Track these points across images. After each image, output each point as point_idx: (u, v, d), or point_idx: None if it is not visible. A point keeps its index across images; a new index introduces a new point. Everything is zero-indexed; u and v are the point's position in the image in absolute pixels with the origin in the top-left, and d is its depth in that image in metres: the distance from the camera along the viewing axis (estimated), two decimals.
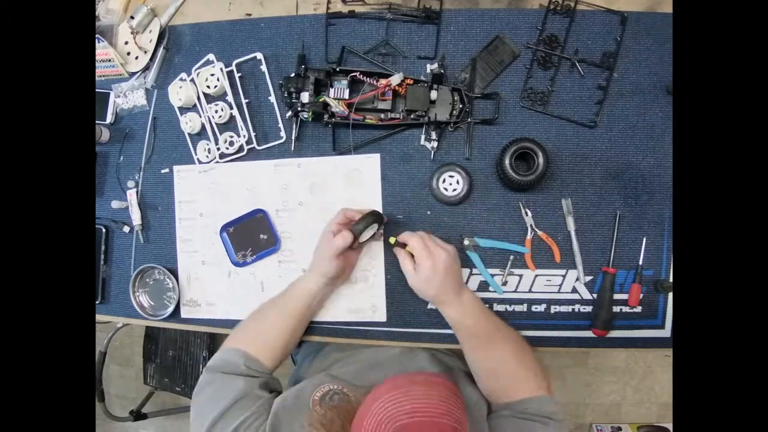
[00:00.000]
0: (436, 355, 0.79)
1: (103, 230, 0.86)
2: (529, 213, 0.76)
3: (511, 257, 0.77)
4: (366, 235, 0.72)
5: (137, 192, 0.85)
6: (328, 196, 0.81)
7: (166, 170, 0.85)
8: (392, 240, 0.73)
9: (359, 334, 0.81)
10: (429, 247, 0.68)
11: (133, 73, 0.85)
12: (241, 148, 0.81)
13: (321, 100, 0.74)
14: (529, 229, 0.76)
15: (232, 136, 0.82)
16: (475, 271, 0.78)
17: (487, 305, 0.78)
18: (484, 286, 0.78)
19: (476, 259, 0.76)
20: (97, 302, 0.87)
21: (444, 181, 0.76)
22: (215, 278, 0.84)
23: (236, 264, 0.83)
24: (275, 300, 0.76)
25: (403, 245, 0.72)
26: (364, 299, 0.80)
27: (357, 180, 0.80)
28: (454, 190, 0.76)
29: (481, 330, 0.69)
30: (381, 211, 0.77)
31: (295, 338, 0.75)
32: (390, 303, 0.80)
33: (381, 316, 0.80)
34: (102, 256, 0.86)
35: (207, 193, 0.84)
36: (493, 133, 0.78)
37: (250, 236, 0.82)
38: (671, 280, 0.75)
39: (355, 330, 0.81)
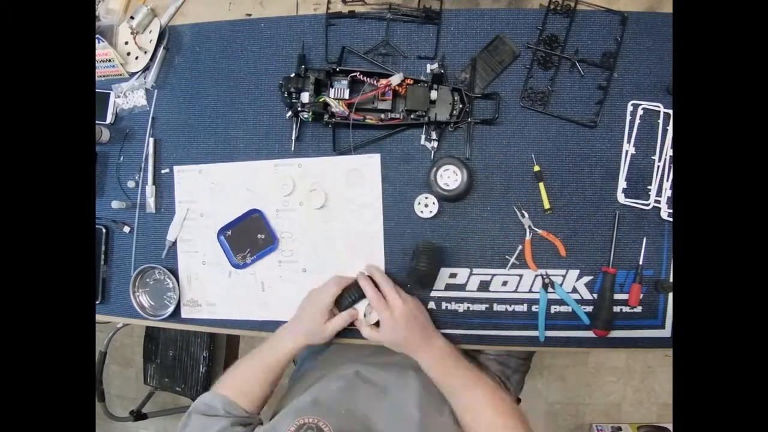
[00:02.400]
0: (427, 388, 0.75)
1: (103, 230, 0.86)
2: (526, 214, 0.76)
3: (512, 258, 0.77)
4: (372, 318, 0.75)
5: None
6: (330, 196, 0.81)
7: (167, 170, 0.85)
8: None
9: (351, 335, 0.81)
10: (387, 298, 0.71)
11: (133, 73, 0.85)
12: None
13: (321, 100, 0.74)
14: (528, 229, 0.76)
15: None
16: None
17: (487, 305, 0.78)
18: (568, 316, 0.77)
19: (561, 292, 0.77)
20: (97, 302, 0.87)
21: (441, 177, 0.75)
22: (216, 278, 0.84)
23: (236, 266, 0.83)
24: (255, 358, 0.76)
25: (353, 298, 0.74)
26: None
27: (358, 180, 0.80)
28: (455, 182, 0.75)
29: (457, 376, 0.69)
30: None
31: (272, 387, 0.76)
32: None
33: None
34: (102, 256, 0.86)
35: (207, 194, 0.84)
36: (494, 133, 0.78)
37: (248, 237, 0.82)
38: (671, 280, 0.75)
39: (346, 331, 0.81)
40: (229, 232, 0.83)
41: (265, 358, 0.75)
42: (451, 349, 0.72)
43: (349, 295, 0.74)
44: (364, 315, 0.75)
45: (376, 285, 0.74)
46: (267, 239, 0.82)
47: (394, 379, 0.71)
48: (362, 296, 0.74)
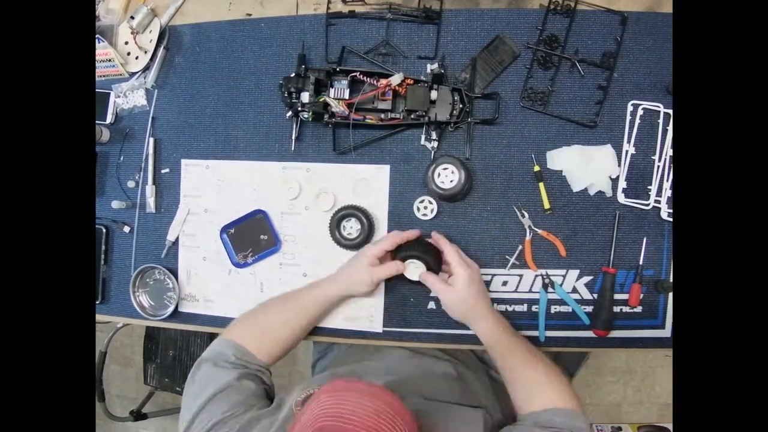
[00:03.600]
0: (443, 358, 0.76)
1: (104, 230, 0.86)
2: (526, 214, 0.76)
3: (511, 258, 0.77)
4: (413, 274, 0.71)
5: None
6: (336, 203, 0.80)
7: (167, 170, 0.85)
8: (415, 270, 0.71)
9: (354, 335, 0.81)
10: (465, 259, 0.69)
11: (134, 73, 0.85)
12: None
13: (321, 100, 0.74)
14: (528, 229, 0.76)
15: None
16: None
17: None
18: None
19: (562, 292, 0.77)
20: (97, 302, 0.87)
21: (439, 175, 0.75)
22: (215, 275, 0.84)
23: (237, 265, 0.83)
24: (287, 297, 0.75)
25: (430, 259, 0.70)
26: (362, 308, 0.80)
27: (364, 190, 0.80)
28: (451, 181, 0.74)
29: (515, 344, 0.68)
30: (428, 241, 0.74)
31: (299, 337, 0.74)
32: (388, 307, 0.80)
33: (377, 326, 0.80)
34: (102, 256, 0.86)
35: (213, 190, 0.84)
36: (494, 133, 0.78)
37: (251, 237, 0.82)
38: (671, 280, 0.75)
39: (351, 332, 0.81)
40: (232, 230, 0.83)
41: (299, 298, 0.72)
42: (504, 320, 0.71)
43: (404, 250, 0.71)
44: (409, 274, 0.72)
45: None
46: (270, 240, 0.82)
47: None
48: (416, 256, 0.71)
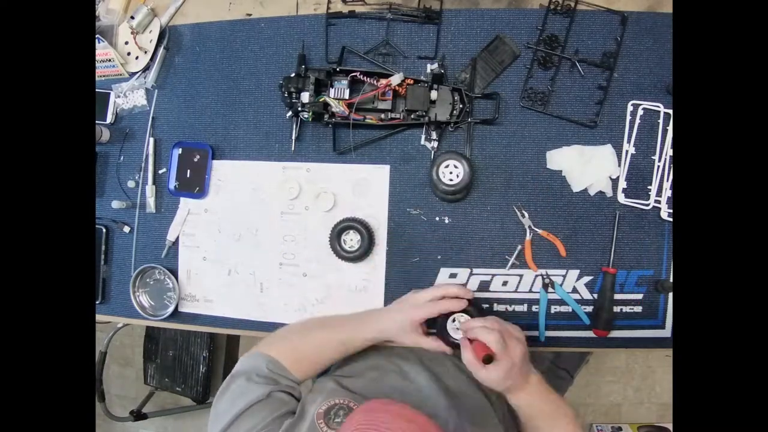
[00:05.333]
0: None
1: (104, 230, 0.86)
2: (527, 214, 0.76)
3: (511, 258, 0.77)
4: (455, 333, 0.69)
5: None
6: (336, 203, 0.81)
7: (164, 170, 0.85)
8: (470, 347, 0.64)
9: None
10: (508, 345, 0.62)
11: (134, 73, 0.85)
12: None
13: (321, 100, 0.74)
14: (528, 229, 0.76)
15: None
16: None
17: (487, 305, 0.78)
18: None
19: (562, 292, 0.77)
20: (97, 302, 0.87)
21: (443, 174, 0.73)
22: (215, 275, 0.84)
23: (171, 192, 0.84)
24: (332, 326, 0.73)
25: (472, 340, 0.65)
26: (362, 309, 0.79)
27: (364, 190, 0.80)
28: (457, 176, 0.72)
29: (546, 411, 0.65)
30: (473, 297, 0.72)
31: (331, 363, 0.73)
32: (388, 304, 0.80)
33: None
34: (102, 256, 0.86)
35: (213, 189, 0.84)
36: (494, 133, 0.78)
37: (192, 168, 0.83)
38: (671, 280, 0.75)
39: None
40: (180, 151, 0.83)
41: (342, 335, 0.71)
42: (540, 379, 0.66)
43: (446, 320, 0.70)
44: (450, 329, 0.70)
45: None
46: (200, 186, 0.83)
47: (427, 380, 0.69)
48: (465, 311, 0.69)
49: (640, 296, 0.76)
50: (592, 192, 0.76)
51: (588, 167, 0.75)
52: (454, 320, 0.70)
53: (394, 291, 0.79)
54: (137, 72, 0.85)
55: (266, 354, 0.68)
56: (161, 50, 0.84)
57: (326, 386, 0.65)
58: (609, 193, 0.75)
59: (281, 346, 0.70)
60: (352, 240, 0.78)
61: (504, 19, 0.77)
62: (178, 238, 0.85)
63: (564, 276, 0.77)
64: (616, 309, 0.76)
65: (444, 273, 0.79)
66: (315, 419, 0.58)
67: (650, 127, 0.75)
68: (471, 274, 0.78)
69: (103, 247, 0.86)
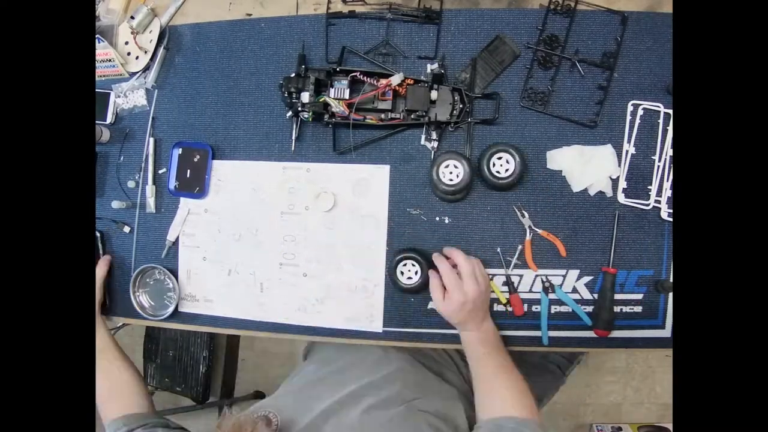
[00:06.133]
0: (415, 357, 0.79)
1: (99, 235, 0.86)
2: (527, 214, 0.76)
3: (513, 258, 0.77)
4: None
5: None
6: (336, 203, 0.81)
7: (164, 170, 0.85)
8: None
9: (354, 335, 0.81)
10: (463, 282, 0.69)
11: (134, 73, 0.85)
12: None
13: (321, 100, 0.74)
14: (528, 229, 0.76)
15: None
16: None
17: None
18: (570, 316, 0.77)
19: (562, 295, 0.77)
20: None
21: (443, 174, 0.73)
22: (215, 275, 0.84)
23: (171, 192, 0.84)
24: (103, 357, 0.79)
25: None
26: (361, 308, 0.80)
27: (364, 190, 0.80)
28: (457, 176, 0.73)
29: (492, 358, 0.70)
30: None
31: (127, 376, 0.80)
32: (389, 303, 0.80)
33: (377, 326, 0.80)
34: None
35: (213, 189, 0.84)
36: (494, 133, 0.78)
37: (192, 167, 0.83)
38: (671, 280, 0.75)
39: (350, 332, 0.81)
40: (180, 151, 0.84)
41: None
42: (496, 333, 0.73)
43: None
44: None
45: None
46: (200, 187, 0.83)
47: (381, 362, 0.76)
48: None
49: (640, 296, 0.76)
50: (592, 192, 0.76)
51: (588, 167, 0.75)
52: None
53: (393, 291, 0.80)
54: (137, 72, 0.85)
55: (111, 419, 0.73)
56: (161, 50, 0.84)
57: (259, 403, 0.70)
58: (609, 193, 0.75)
59: (109, 403, 0.75)
60: (410, 271, 0.77)
61: (504, 19, 0.77)
62: (178, 238, 0.85)
63: (564, 276, 0.77)
64: (616, 309, 0.76)
65: None
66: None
67: (650, 127, 0.75)
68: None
69: (101, 252, 0.86)
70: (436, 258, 0.73)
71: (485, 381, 0.69)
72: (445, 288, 0.71)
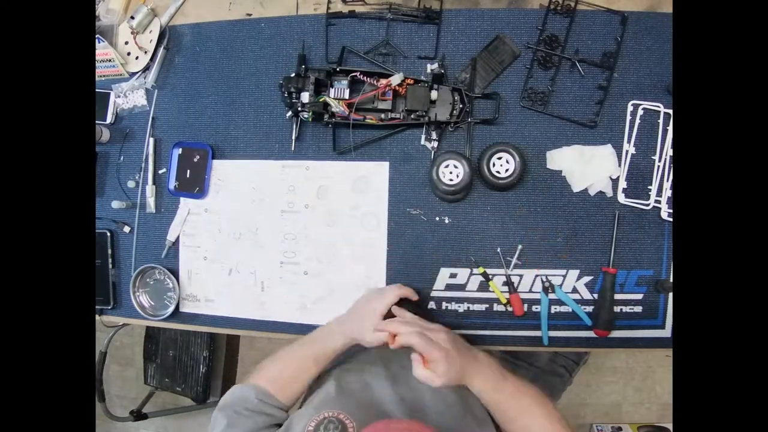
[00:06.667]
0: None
1: (108, 234, 0.86)
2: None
3: (513, 259, 0.77)
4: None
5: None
6: (335, 201, 0.81)
7: (164, 170, 0.85)
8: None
9: None
10: (430, 338, 0.61)
11: (134, 73, 0.85)
12: None
13: (321, 100, 0.74)
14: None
15: None
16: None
17: (487, 305, 0.78)
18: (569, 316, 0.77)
19: (563, 295, 0.77)
20: (108, 308, 0.87)
21: (443, 174, 0.73)
22: (216, 275, 0.84)
23: (171, 192, 0.84)
24: (306, 347, 0.73)
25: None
26: None
27: (364, 187, 0.80)
28: (457, 176, 0.73)
29: (504, 390, 0.65)
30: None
31: (310, 382, 0.73)
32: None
33: None
34: (110, 260, 0.86)
35: (213, 188, 0.84)
36: (494, 133, 0.78)
37: (191, 168, 0.83)
38: (671, 280, 0.75)
39: None
40: (180, 150, 0.84)
41: (312, 349, 0.72)
42: (492, 360, 0.66)
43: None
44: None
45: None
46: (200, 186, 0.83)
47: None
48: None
49: (640, 296, 0.76)
50: (592, 192, 0.76)
51: (588, 167, 0.75)
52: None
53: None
54: (137, 72, 0.85)
55: (255, 384, 0.69)
56: (161, 50, 0.84)
57: (317, 400, 0.65)
58: (609, 193, 0.75)
59: (269, 373, 0.71)
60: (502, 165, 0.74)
61: (504, 19, 0.77)
62: (178, 238, 0.85)
63: (564, 276, 0.77)
64: (616, 309, 0.76)
65: (444, 273, 0.79)
66: None
67: (650, 127, 0.75)
68: (471, 274, 0.78)
69: (110, 251, 0.86)
70: (396, 329, 0.65)
71: (508, 412, 0.64)
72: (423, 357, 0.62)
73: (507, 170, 0.73)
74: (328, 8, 0.80)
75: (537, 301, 0.77)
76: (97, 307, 0.87)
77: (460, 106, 0.76)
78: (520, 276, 0.77)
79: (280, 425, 0.64)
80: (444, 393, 0.68)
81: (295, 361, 0.72)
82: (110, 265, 0.86)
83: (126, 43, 0.85)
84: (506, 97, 0.77)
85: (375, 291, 0.74)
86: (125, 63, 0.84)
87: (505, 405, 0.65)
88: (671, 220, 0.75)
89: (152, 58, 0.84)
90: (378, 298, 0.71)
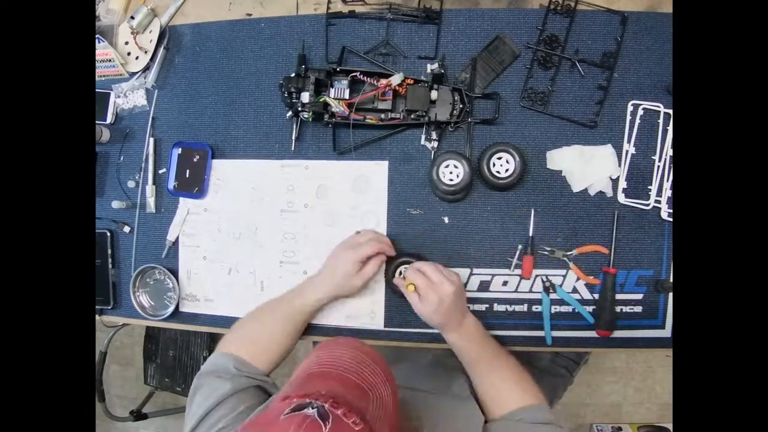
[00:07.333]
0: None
1: (108, 234, 0.86)
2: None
3: (514, 259, 0.77)
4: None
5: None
6: (334, 200, 0.81)
7: (164, 170, 0.85)
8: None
9: (356, 333, 0.81)
10: (434, 283, 0.67)
11: (134, 73, 0.85)
12: None
13: (321, 100, 0.74)
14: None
15: None
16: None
17: (487, 305, 0.78)
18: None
19: (564, 294, 0.77)
20: (109, 308, 0.87)
21: (443, 174, 0.73)
22: (215, 275, 0.84)
23: (170, 191, 0.84)
24: (277, 304, 0.75)
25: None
26: (363, 306, 0.80)
27: (363, 186, 0.80)
28: (457, 176, 0.73)
29: (482, 354, 0.71)
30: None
31: (291, 344, 0.75)
32: (389, 305, 0.80)
33: (378, 323, 0.80)
34: (110, 260, 0.86)
35: (212, 188, 0.84)
36: (494, 133, 0.78)
37: (191, 168, 0.83)
38: (671, 280, 0.75)
39: (352, 330, 0.81)
40: (180, 150, 0.84)
41: (288, 307, 0.73)
42: (478, 327, 0.72)
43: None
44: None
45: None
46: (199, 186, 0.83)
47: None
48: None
49: (640, 296, 0.76)
50: (592, 192, 0.76)
51: (588, 167, 0.75)
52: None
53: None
54: (137, 72, 0.85)
55: (227, 352, 0.70)
56: (161, 50, 0.84)
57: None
58: (609, 193, 0.75)
59: (239, 342, 0.72)
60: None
61: (504, 19, 0.77)
62: (178, 237, 0.85)
63: (564, 276, 0.77)
64: (616, 309, 0.76)
65: None
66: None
67: (650, 127, 0.75)
68: (471, 274, 0.78)
69: (110, 251, 0.86)
70: (408, 273, 0.71)
71: (483, 375, 0.69)
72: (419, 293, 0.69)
73: (507, 170, 0.73)
74: (328, 8, 0.80)
75: (538, 302, 0.77)
76: (97, 307, 0.87)
77: (460, 106, 0.76)
78: (520, 276, 0.77)
79: (263, 388, 0.67)
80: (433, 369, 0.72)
81: (268, 323, 0.73)
82: (110, 265, 0.86)
83: (126, 43, 0.85)
84: (506, 97, 0.77)
85: (347, 244, 0.74)
86: (125, 63, 0.84)
87: (477, 366, 0.70)
88: (671, 220, 0.75)
89: (152, 58, 0.84)
90: (353, 251, 0.72)
